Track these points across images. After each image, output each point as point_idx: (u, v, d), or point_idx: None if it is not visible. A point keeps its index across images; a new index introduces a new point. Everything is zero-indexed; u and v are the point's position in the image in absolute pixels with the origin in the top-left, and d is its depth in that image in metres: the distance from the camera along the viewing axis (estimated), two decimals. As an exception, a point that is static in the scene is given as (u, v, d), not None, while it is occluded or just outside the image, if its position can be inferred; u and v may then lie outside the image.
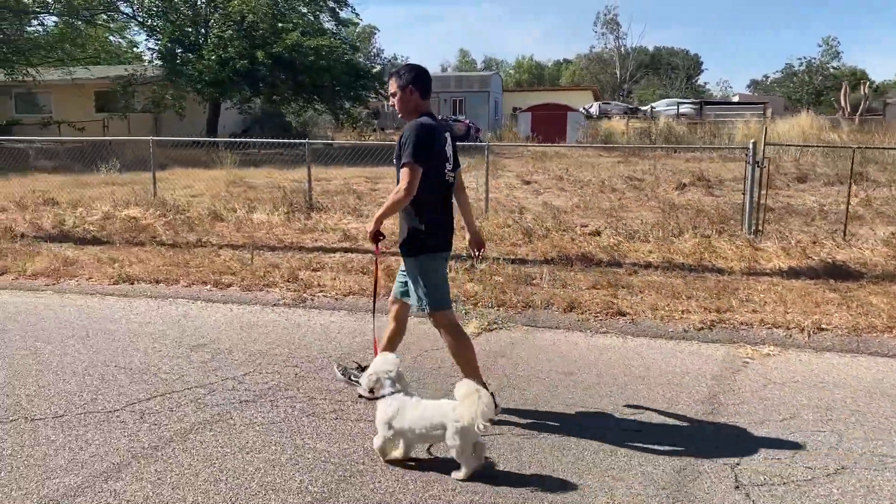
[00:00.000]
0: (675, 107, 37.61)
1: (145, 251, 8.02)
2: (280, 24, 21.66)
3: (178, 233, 9.11)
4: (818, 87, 71.49)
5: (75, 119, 25.45)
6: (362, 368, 3.99)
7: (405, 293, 3.85)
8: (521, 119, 34.81)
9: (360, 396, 3.91)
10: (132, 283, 6.82)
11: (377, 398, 3.25)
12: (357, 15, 25.63)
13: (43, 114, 27.53)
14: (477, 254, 4.06)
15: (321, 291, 6.38)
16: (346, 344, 5.06)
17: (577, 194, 12.69)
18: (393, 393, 3.19)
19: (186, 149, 20.34)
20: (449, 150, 3.70)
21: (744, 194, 8.69)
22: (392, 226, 4.11)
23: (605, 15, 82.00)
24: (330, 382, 4.28)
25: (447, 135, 3.71)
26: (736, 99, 54.33)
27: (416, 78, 3.69)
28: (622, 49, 76.92)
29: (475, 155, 21.36)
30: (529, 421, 3.76)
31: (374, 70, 25.64)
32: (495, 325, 5.49)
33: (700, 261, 7.38)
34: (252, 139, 21.06)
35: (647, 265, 7.22)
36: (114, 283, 6.84)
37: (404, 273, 3.83)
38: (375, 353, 3.66)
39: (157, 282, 6.82)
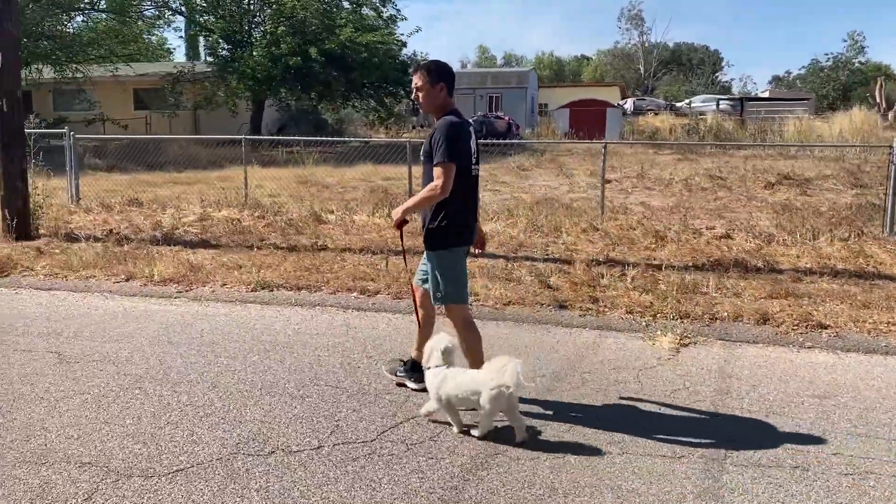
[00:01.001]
0: (715, 103, 37.04)
1: (264, 255, 7.70)
2: (330, 21, 21.29)
3: (285, 235, 8.79)
4: (845, 83, 70.56)
5: (115, 117, 25.26)
6: (405, 363, 4.18)
7: (427, 281, 3.91)
8: (558, 116, 34.43)
9: (402, 385, 4.11)
10: (271, 290, 6.49)
11: (427, 369, 3.60)
12: (399, 11, 25.21)
13: (82, 111, 27.37)
14: (478, 252, 4.21)
15: (477, 300, 6.02)
16: (555, 359, 4.69)
17: (667, 194, 12.28)
18: (438, 366, 3.54)
19: (227, 148, 20.09)
20: (473, 145, 3.79)
21: (885, 195, 8.26)
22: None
23: (630, 10, 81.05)
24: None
25: (471, 129, 3.82)
26: (766, 94, 53.59)
27: (446, 75, 3.78)
28: (646, 45, 76.28)
29: (522, 152, 21.09)
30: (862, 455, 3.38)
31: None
32: (688, 340, 5.11)
33: (861, 266, 6.97)
34: (340, 138, 20.69)
35: (808, 271, 6.82)
36: (251, 290, 6.51)
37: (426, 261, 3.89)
38: (419, 328, 4.03)
39: (298, 288, 6.48)
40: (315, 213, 9.77)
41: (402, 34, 23.26)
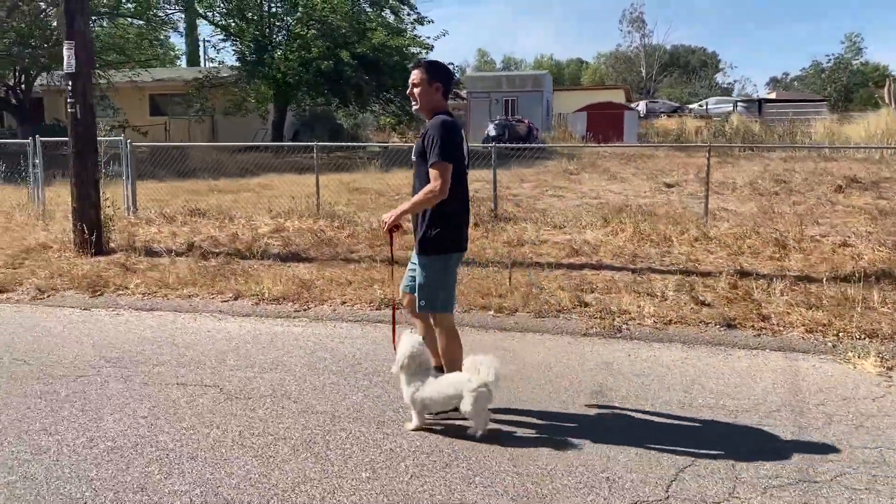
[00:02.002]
0: (732, 105, 36.76)
1: (365, 269, 7.22)
2: (359, 24, 20.81)
3: (373, 247, 8.32)
4: (847, 85, 70.65)
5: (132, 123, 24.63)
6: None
7: (414, 287, 3.78)
8: (575, 119, 34.08)
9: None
10: (398, 308, 6.02)
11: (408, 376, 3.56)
12: (419, 13, 24.70)
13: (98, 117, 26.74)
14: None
15: (632, 319, 5.57)
16: (769, 390, 4.24)
17: (740, 198, 11.88)
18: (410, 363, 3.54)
19: (248, 154, 19.59)
20: (465, 147, 3.72)
21: None
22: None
23: (631, 13, 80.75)
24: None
25: (462, 132, 3.73)
26: (773, 96, 53.40)
27: (445, 76, 3.72)
28: (647, 47, 76.08)
29: (550, 157, 20.51)
30: None
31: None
32: (891, 362, 4.67)
33: None
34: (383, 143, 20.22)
35: (963, 282, 6.42)
36: (376, 308, 6.05)
37: (415, 265, 3.78)
38: (394, 346, 3.76)
39: (426, 307, 6.01)
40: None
41: (428, 37, 22.75)
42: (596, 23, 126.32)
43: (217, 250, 8.19)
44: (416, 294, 3.76)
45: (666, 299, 5.99)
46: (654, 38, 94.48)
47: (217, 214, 10.41)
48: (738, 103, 37.59)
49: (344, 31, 20.24)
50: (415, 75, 3.72)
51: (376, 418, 3.82)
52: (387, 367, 4.59)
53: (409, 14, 23.04)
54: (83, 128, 8.14)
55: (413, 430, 3.60)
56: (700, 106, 43.18)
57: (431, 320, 3.82)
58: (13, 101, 23.68)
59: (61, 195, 12.69)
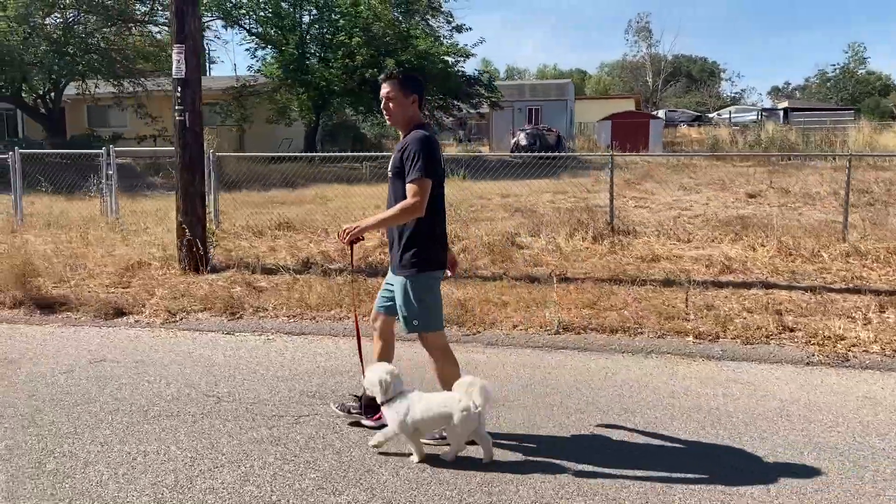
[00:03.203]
0: (757, 114, 36.52)
1: (506, 287, 6.68)
2: (404, 32, 20.35)
3: (496, 263, 7.80)
4: (853, 94, 70.82)
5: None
6: (359, 398, 3.87)
7: (390, 308, 3.68)
8: (600, 128, 33.77)
9: (356, 424, 3.81)
10: (578, 333, 5.53)
11: (386, 402, 3.39)
12: (460, 23, 24.27)
13: (117, 126, 26.15)
14: (450, 275, 3.84)
15: (853, 345, 5.09)
16: None
17: (826, 209, 11.43)
18: (401, 392, 3.40)
19: (281, 164, 19.09)
20: (442, 162, 3.60)
21: None
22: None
23: (638, 23, 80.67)
24: None
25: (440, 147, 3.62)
26: (784, 105, 53.31)
27: (418, 86, 3.59)
28: (653, 57, 75.98)
29: (585, 167, 19.82)
30: None
31: (486, 77, 24.28)
32: None
33: None
34: (559, 153, 19.76)
35: None
36: (554, 334, 5.55)
37: (390, 286, 3.64)
38: (363, 372, 3.59)
39: (612, 331, 5.52)
40: (508, 236, 8.80)
41: (466, 44, 22.36)
42: (591, 33, 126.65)
43: (334, 266, 7.67)
44: (392, 315, 3.69)
45: (869, 322, 5.51)
46: (660, 47, 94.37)
47: (301, 227, 9.90)
48: (762, 112, 37.34)
49: (388, 38, 19.78)
50: (387, 88, 3.54)
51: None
52: (645, 403, 4.10)
53: (448, 22, 22.66)
54: (192, 137, 7.63)
55: (419, 461, 3.38)
56: (718, 115, 42.97)
57: (423, 342, 3.62)
58: (42, 110, 23.13)
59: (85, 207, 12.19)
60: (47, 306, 6.52)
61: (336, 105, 21.52)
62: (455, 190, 14.07)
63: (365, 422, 3.80)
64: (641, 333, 5.47)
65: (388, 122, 3.64)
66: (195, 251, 7.61)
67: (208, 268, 7.61)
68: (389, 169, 3.52)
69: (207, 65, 35.11)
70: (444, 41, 21.98)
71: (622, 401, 4.19)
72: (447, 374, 3.57)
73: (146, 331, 5.87)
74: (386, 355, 3.74)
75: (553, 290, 6.39)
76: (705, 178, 16.14)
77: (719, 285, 6.70)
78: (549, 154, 21.01)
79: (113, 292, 6.98)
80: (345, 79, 19.42)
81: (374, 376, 3.41)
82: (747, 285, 6.67)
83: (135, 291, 6.92)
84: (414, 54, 19.66)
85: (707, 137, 30.66)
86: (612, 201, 9.24)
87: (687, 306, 5.93)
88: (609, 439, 3.70)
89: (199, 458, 3.46)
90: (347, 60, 19.42)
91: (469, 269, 7.51)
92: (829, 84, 74.29)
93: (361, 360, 3.74)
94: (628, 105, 48.50)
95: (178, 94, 7.54)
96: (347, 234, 3.50)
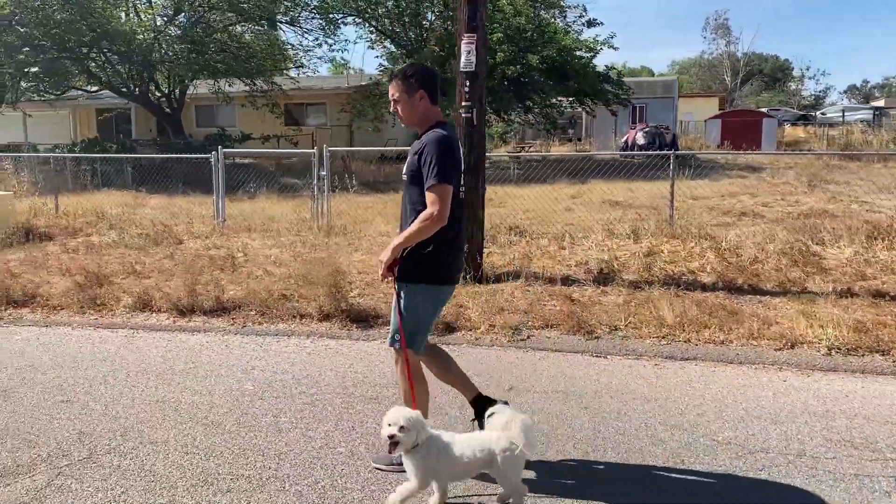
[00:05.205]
0: (871, 113, 34.69)
1: (837, 305, 5.84)
2: (543, 27, 19.62)
3: (791, 278, 6.93)
4: (944, 92, 67.43)
5: (266, 133, 23.84)
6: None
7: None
8: (710, 126, 32.55)
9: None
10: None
11: (413, 449, 2.87)
12: (584, 15, 23.35)
13: (224, 125, 26.06)
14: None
15: None
16: None
17: None
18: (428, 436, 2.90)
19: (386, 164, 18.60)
20: (462, 163, 3.31)
21: None
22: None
23: (716, 20, 78.17)
24: None
25: (459, 145, 3.32)
26: (882, 103, 50.77)
27: (426, 80, 3.27)
28: (731, 55, 73.62)
29: (709, 168, 18.55)
30: None
31: (615, 74, 23.35)
32: None
33: None
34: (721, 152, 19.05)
35: None
36: None
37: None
38: (414, 405, 3.16)
39: None
40: (795, 244, 7.96)
41: (599, 36, 21.46)
42: (659, 31, 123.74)
43: (630, 277, 6.96)
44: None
45: None
46: (739, 45, 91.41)
47: (534, 234, 9.26)
48: (876, 111, 35.45)
49: (528, 34, 19.07)
50: (391, 90, 3.30)
51: None
52: None
53: (581, 16, 21.86)
54: (478, 136, 7.06)
55: None
56: (823, 114, 41.10)
57: (395, 355, 3.31)
58: (167, 109, 23.16)
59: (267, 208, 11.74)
60: (361, 319, 5.99)
61: (491, 105, 20.81)
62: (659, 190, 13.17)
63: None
64: None
65: (403, 125, 3.34)
66: (477, 260, 7.03)
67: (479, 276, 7.01)
68: (405, 172, 3.23)
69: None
70: (578, 36, 21.16)
71: None
72: (419, 399, 3.24)
73: (512, 351, 5.26)
74: (446, 370, 3.46)
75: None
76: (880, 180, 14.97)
77: None
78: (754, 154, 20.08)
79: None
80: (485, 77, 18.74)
81: (399, 422, 2.83)
82: None
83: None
84: (556, 50, 18.91)
85: (838, 136, 29.06)
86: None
87: None
88: None
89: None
90: (487, 57, 18.69)
91: (751, 280, 6.69)
92: (915, 83, 70.92)
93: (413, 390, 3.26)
94: (712, 104, 47.00)
95: (466, 89, 6.97)
96: (385, 266, 3.15)
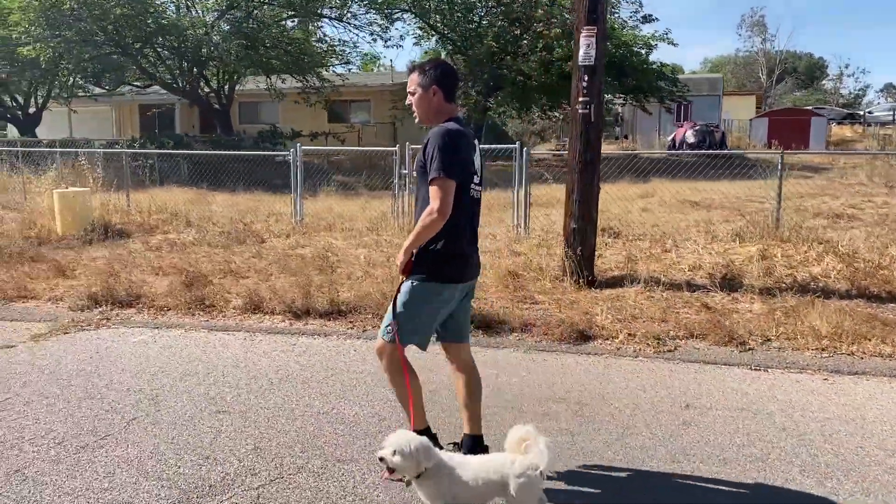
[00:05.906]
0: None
1: None
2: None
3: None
4: None
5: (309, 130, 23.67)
6: (458, 445, 3.31)
7: (455, 331, 3.26)
8: (757, 125, 31.89)
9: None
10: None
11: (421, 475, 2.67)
12: (639, 10, 22.84)
13: (266, 122, 25.95)
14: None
15: None
16: None
17: None
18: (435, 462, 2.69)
19: None
20: (477, 161, 3.21)
21: None
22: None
23: (751, 17, 76.76)
24: None
25: (474, 141, 3.22)
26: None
27: (442, 77, 3.15)
28: (768, 52, 72.36)
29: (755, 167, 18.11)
30: None
31: (669, 70, 22.86)
32: None
33: None
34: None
35: None
36: None
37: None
38: (411, 421, 3.13)
39: None
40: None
41: (667, 31, 20.97)
42: (690, 29, 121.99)
43: (757, 284, 6.62)
44: (458, 340, 3.29)
45: None
46: (775, 42, 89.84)
47: (630, 236, 8.94)
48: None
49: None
50: (409, 82, 3.23)
51: None
52: None
53: (636, 12, 21.42)
54: (594, 134, 6.74)
55: None
56: (870, 113, 40.15)
57: (379, 349, 3.21)
58: (216, 105, 23.09)
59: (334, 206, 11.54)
60: (487, 326, 5.72)
61: (535, 101, 20.54)
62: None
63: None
64: None
65: (416, 121, 3.23)
66: (592, 263, 6.74)
67: (591, 281, 6.72)
68: (415, 168, 3.17)
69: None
70: (634, 31, 20.73)
71: None
72: (399, 395, 3.22)
73: (661, 363, 4.96)
74: (470, 384, 3.22)
75: None
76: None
77: None
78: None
79: (528, 308, 6.14)
80: (540, 73, 18.43)
81: (403, 446, 2.64)
82: None
83: (552, 308, 6.05)
84: (616, 45, 18.50)
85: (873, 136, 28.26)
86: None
87: None
88: None
89: None
90: (545, 53, 18.40)
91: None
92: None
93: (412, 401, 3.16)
94: (747, 102, 46.05)
95: (584, 84, 6.66)
96: (401, 269, 3.11)
